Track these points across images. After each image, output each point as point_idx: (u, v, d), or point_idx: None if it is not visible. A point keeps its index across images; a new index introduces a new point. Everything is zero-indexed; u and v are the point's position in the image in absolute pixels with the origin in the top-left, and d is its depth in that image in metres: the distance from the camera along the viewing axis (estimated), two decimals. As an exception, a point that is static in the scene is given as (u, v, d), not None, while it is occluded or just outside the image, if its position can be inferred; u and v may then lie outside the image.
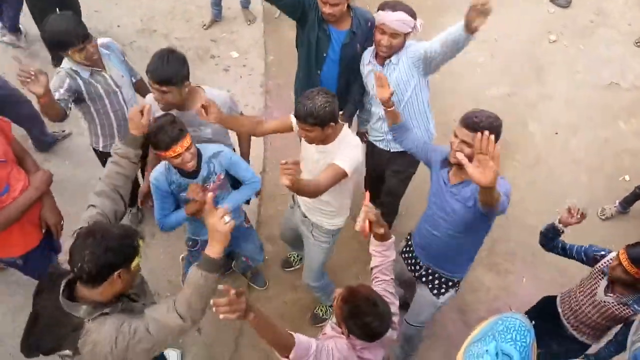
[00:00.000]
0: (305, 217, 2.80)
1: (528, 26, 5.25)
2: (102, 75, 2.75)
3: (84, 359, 1.68)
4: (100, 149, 3.10)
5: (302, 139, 2.47)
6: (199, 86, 2.64)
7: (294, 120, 2.52)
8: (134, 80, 3.06)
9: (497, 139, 2.09)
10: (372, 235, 2.14)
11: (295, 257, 3.65)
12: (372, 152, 3.28)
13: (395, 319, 2.02)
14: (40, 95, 2.27)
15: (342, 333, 1.95)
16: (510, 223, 3.98)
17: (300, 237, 3.02)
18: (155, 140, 2.25)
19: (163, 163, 2.50)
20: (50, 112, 2.48)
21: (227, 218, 1.77)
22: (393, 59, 2.77)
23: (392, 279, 2.18)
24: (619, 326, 2.53)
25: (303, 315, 3.47)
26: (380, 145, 3.16)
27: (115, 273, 1.66)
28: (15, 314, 3.30)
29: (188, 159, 2.32)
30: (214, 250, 1.77)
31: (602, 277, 2.51)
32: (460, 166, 2.17)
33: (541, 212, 3.88)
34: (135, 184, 3.38)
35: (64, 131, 4.08)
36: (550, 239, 2.69)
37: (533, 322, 1.44)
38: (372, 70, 2.81)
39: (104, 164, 3.09)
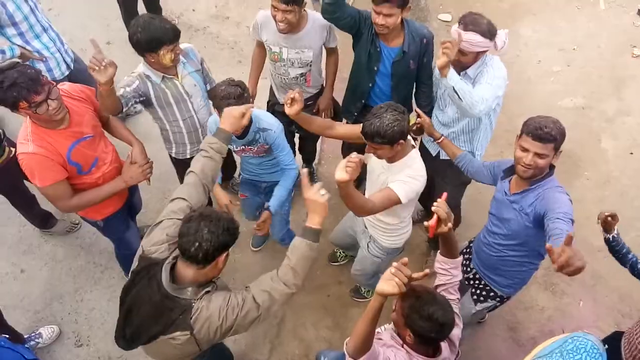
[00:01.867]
0: (366, 228, 2.77)
1: (610, 37, 4.96)
2: (173, 82, 2.69)
3: (200, 335, 1.78)
4: (173, 155, 3.09)
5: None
6: (305, 9, 2.87)
7: None
8: (208, 87, 2.99)
9: (561, 143, 2.07)
10: (438, 252, 2.08)
11: (342, 252, 3.64)
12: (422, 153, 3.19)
13: (456, 341, 1.97)
14: (101, 84, 2.29)
15: (403, 344, 1.91)
16: (574, 242, 3.79)
17: (353, 242, 3.02)
18: (216, 105, 2.41)
19: None
20: (105, 101, 2.45)
21: (322, 191, 1.90)
22: (470, 72, 2.62)
23: (458, 299, 2.10)
24: None
25: (346, 312, 3.45)
26: (430, 149, 3.10)
27: (224, 253, 1.78)
28: (76, 276, 3.50)
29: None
30: (314, 221, 1.91)
31: None
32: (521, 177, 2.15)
33: (608, 234, 3.65)
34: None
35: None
36: (615, 251, 2.51)
37: (606, 346, 1.35)
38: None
39: (178, 170, 3.25)
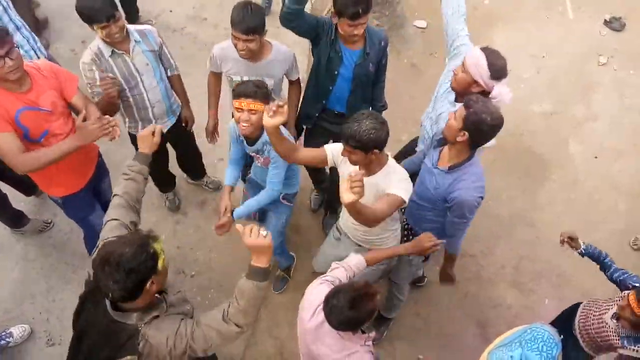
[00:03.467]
0: (360, 246, 2.74)
1: (578, 46, 5.13)
2: (123, 58, 2.80)
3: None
4: (127, 129, 3.18)
5: (340, 163, 2.46)
6: (268, 41, 2.85)
7: (328, 152, 2.49)
8: (169, 74, 3.10)
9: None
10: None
11: None
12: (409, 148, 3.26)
13: None
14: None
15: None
16: (541, 242, 3.92)
17: None
18: (234, 88, 2.51)
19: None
20: (109, 109, 2.70)
21: (263, 232, 1.81)
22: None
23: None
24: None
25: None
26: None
27: (147, 283, 1.71)
28: (48, 275, 3.47)
29: (244, 118, 2.48)
30: (261, 260, 1.81)
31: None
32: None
33: (573, 234, 3.79)
34: (163, 167, 3.52)
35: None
36: (595, 260, 2.73)
37: (561, 336, 1.43)
38: (443, 113, 2.70)
39: (133, 144, 3.27)
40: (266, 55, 2.86)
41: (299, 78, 3.12)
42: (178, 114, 3.28)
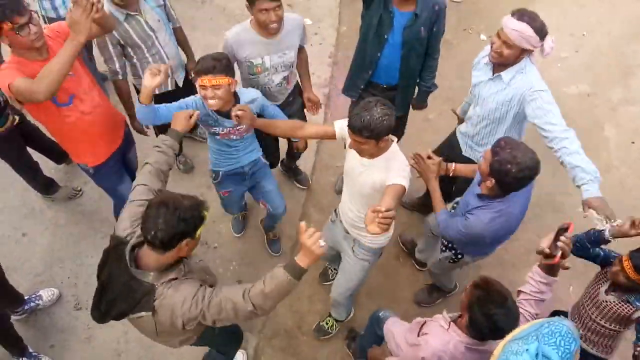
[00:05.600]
0: (348, 232, 2.70)
1: (622, 25, 4.89)
2: (136, 19, 2.79)
3: (161, 319, 1.84)
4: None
5: (347, 147, 2.40)
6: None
7: (337, 129, 2.45)
8: (171, 26, 3.10)
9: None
10: (536, 264, 2.09)
11: (333, 270, 3.52)
12: (450, 142, 3.18)
13: None
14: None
15: (456, 323, 2.00)
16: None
17: (337, 254, 2.95)
18: (195, 65, 2.44)
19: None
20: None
21: (321, 242, 1.84)
22: (504, 75, 2.56)
23: (536, 314, 2.11)
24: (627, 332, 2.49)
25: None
26: (461, 142, 3.06)
27: (185, 241, 1.78)
28: (77, 241, 3.57)
29: (209, 95, 2.41)
30: (304, 261, 1.86)
31: (605, 280, 2.49)
32: None
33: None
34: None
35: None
36: (590, 246, 2.57)
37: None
38: (480, 82, 2.71)
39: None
40: (282, 27, 2.77)
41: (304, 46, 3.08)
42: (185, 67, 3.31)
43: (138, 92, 3.23)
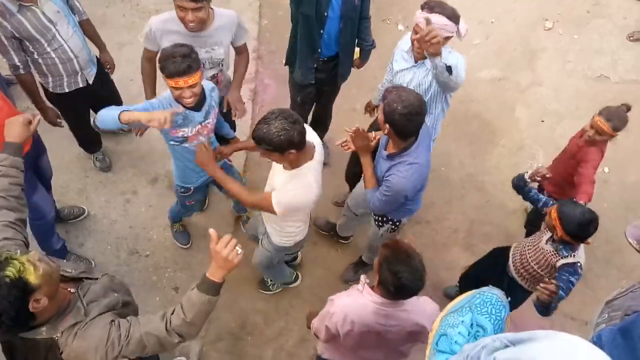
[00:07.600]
0: (264, 222, 2.76)
1: (526, 11, 5.23)
2: (32, 10, 2.61)
3: None
4: (50, 89, 3.02)
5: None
6: (211, 8, 2.68)
7: (274, 205, 2.41)
8: (77, 18, 2.96)
9: None
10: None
11: (270, 281, 3.53)
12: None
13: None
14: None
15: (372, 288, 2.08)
16: (491, 205, 4.07)
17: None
18: (161, 65, 2.27)
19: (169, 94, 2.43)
20: None
21: (239, 249, 1.75)
22: (427, 61, 2.63)
23: None
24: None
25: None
26: None
27: (29, 306, 1.52)
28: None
29: (187, 95, 2.32)
30: (217, 275, 1.74)
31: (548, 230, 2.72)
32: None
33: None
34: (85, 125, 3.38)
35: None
36: (521, 187, 2.96)
37: (509, 298, 1.49)
38: (403, 70, 2.80)
39: (60, 109, 3.15)
40: (210, 22, 2.69)
41: (245, 44, 3.00)
42: (96, 62, 3.15)
43: (45, 90, 3.05)
